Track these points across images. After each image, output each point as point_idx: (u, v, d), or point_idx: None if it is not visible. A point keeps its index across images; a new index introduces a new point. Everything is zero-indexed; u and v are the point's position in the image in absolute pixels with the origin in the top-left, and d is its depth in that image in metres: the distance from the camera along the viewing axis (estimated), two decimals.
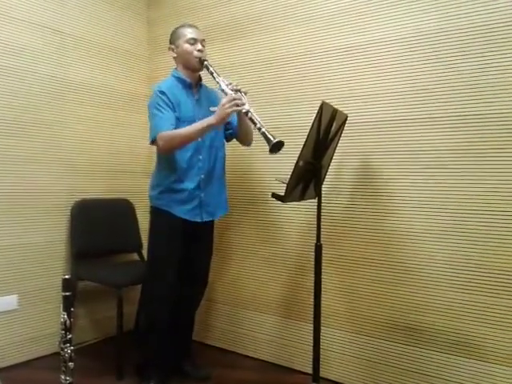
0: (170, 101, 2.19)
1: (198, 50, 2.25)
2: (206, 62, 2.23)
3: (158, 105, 2.18)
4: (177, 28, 2.33)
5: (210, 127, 2.11)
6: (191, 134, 2.12)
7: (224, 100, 2.07)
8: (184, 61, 2.28)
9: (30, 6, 2.62)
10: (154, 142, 2.19)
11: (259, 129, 2.00)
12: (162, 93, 2.19)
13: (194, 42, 2.25)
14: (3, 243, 2.51)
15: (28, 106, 2.61)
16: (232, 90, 2.12)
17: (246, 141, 2.42)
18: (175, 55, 2.31)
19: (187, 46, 2.25)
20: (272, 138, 1.95)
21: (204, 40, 2.31)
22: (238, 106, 2.04)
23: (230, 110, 2.04)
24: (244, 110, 2.06)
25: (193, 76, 2.32)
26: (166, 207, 2.24)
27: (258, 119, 2.02)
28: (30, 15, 2.63)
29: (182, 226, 2.25)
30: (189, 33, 2.26)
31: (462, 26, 2.04)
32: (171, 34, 2.34)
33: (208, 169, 2.30)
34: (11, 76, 2.53)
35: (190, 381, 2.39)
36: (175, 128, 2.16)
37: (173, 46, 2.31)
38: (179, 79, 2.30)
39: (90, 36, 2.94)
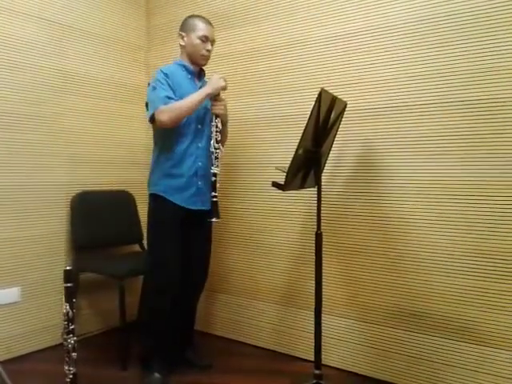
0: (171, 83, 2.19)
1: (207, 50, 2.27)
2: (216, 119, 2.23)
3: (159, 81, 2.18)
4: (192, 17, 2.30)
5: (206, 96, 2.19)
6: (191, 105, 2.15)
7: (216, 79, 2.23)
8: (190, 53, 2.29)
9: None
10: (152, 119, 2.19)
11: (214, 196, 2.20)
12: (165, 74, 2.20)
13: (205, 39, 2.25)
14: (5, 236, 2.51)
15: (27, 99, 2.59)
16: (212, 146, 2.22)
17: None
18: (183, 44, 2.29)
19: (198, 43, 2.25)
20: (217, 214, 2.21)
21: (214, 41, 2.33)
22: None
23: (222, 83, 2.22)
24: (214, 172, 2.21)
25: (195, 67, 2.33)
26: (164, 193, 2.24)
27: (217, 187, 2.21)
28: (29, 7, 2.61)
29: (181, 214, 2.25)
30: (203, 29, 2.25)
31: (459, 11, 2.02)
32: (185, 22, 2.31)
33: (206, 157, 2.29)
34: (10, 69, 2.52)
35: (193, 370, 2.40)
36: None
37: (184, 34, 2.29)
38: (183, 66, 2.30)
39: (89, 27, 2.92)
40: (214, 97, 2.24)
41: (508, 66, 1.92)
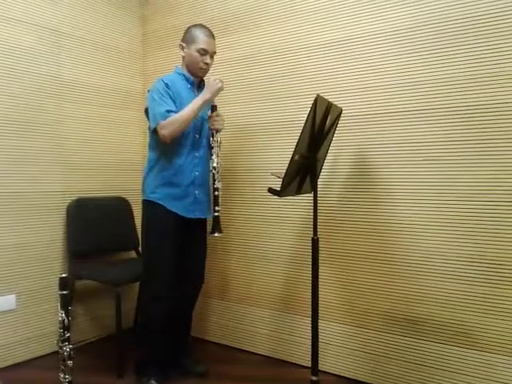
0: (171, 93, 2.20)
1: (205, 63, 2.27)
2: (216, 134, 2.27)
3: (160, 92, 2.19)
4: (194, 28, 2.29)
5: (205, 102, 2.22)
6: (190, 114, 2.17)
7: (212, 81, 2.25)
8: (189, 64, 2.30)
9: (24, 6, 2.61)
10: (155, 130, 2.19)
11: (216, 211, 2.25)
12: (166, 84, 2.20)
13: (204, 52, 2.25)
14: (0, 243, 2.50)
15: (23, 106, 2.59)
16: (215, 162, 2.25)
17: None
18: (183, 54, 2.30)
19: (196, 55, 2.25)
20: (219, 228, 2.25)
21: (215, 53, 2.33)
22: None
23: (219, 85, 2.24)
24: (217, 187, 2.25)
25: (195, 78, 2.34)
26: (161, 201, 2.24)
27: (219, 202, 2.27)
28: (25, 15, 2.61)
29: (178, 222, 2.25)
30: (203, 42, 2.25)
31: (454, 18, 2.03)
32: (187, 32, 2.30)
33: (203, 166, 2.31)
34: (5, 76, 2.52)
35: (189, 376, 2.39)
36: None
37: (184, 45, 2.29)
38: (183, 75, 2.31)
39: (84, 34, 2.92)
40: (212, 108, 2.26)
41: (503, 72, 1.93)
